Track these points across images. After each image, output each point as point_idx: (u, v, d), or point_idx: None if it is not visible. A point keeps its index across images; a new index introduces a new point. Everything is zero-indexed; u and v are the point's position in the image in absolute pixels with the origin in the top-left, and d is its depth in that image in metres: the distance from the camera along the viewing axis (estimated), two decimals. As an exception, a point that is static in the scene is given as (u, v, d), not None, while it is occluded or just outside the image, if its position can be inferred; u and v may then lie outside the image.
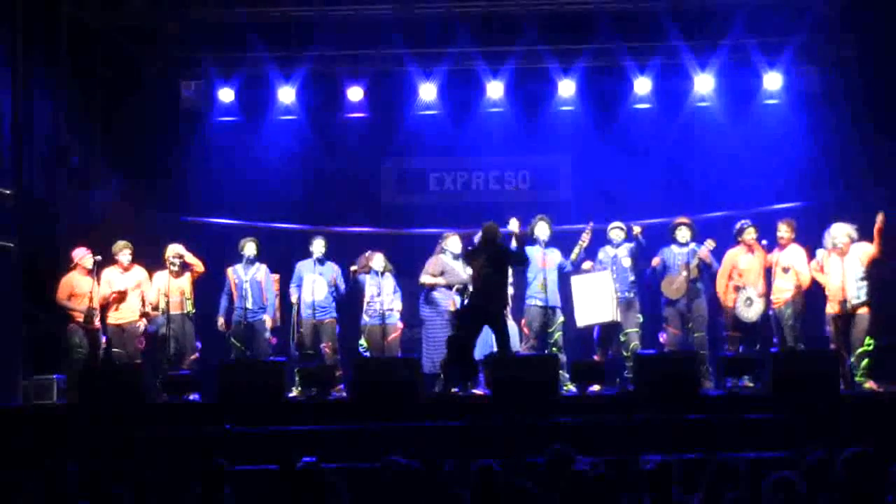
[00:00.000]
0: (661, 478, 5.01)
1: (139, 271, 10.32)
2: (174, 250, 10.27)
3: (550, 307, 9.95)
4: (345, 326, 10.62)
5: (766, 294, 9.86)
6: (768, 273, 9.92)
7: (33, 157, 10.53)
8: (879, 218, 9.28)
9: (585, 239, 10.06)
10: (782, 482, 4.55)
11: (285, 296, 10.55)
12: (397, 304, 10.40)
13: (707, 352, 9.94)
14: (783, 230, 9.87)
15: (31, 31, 10.41)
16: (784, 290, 9.80)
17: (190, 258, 10.33)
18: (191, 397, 9.39)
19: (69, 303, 9.94)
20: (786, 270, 9.76)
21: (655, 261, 10.19)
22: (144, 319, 10.26)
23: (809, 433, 7.12)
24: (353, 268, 10.44)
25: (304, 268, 10.49)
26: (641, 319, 10.24)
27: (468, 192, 12.81)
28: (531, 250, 10.04)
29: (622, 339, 10.08)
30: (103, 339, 10.11)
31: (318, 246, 10.47)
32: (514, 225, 9.66)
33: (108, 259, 10.19)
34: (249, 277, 10.38)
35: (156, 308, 10.25)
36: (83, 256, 10.04)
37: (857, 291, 9.34)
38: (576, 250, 10.07)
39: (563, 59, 11.90)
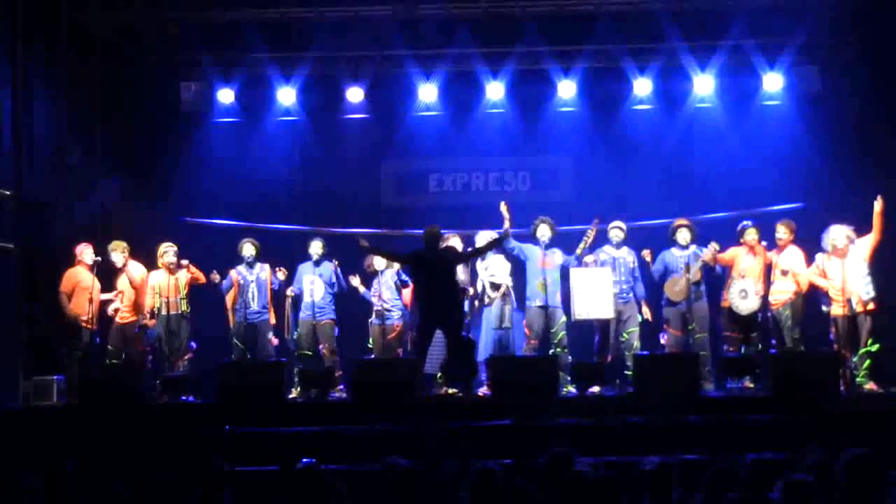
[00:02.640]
0: (662, 479, 5.00)
1: (135, 270, 10.28)
2: (167, 246, 10.26)
3: (550, 307, 9.93)
4: (344, 328, 10.62)
5: (765, 295, 9.85)
6: (768, 274, 9.92)
7: (33, 157, 10.54)
8: (878, 202, 9.26)
9: (591, 235, 10.03)
10: (796, 485, 4.51)
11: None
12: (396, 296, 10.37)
13: (708, 353, 9.92)
14: (782, 231, 9.87)
15: (31, 32, 10.41)
16: (783, 292, 9.79)
17: (194, 270, 10.33)
18: (188, 398, 9.39)
19: (71, 299, 9.95)
20: (784, 273, 9.76)
21: (650, 259, 10.18)
22: (141, 329, 10.25)
23: (809, 435, 7.10)
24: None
25: (303, 269, 10.50)
26: (641, 319, 10.24)
27: (468, 193, 12.78)
28: (532, 249, 10.04)
29: (624, 337, 10.06)
30: (97, 341, 10.14)
31: (315, 247, 10.47)
32: (503, 208, 9.77)
33: (106, 260, 10.19)
34: (254, 278, 10.37)
35: (152, 314, 10.22)
36: (83, 251, 10.11)
37: (865, 287, 9.31)
38: (581, 245, 10.04)
39: (563, 60, 11.90)
